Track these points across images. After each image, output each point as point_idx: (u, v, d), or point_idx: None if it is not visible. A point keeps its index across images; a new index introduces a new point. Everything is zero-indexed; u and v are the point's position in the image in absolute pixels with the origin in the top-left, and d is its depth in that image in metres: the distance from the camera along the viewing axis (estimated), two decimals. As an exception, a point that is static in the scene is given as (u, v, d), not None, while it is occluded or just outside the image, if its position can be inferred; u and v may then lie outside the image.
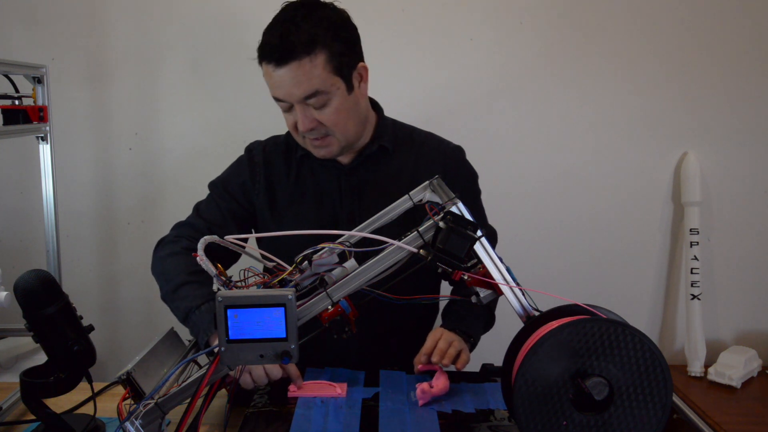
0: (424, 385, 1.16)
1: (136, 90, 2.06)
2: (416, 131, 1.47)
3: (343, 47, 1.25)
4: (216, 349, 0.86)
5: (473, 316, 1.38)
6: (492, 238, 1.48)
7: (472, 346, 1.36)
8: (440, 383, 1.17)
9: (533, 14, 2.02)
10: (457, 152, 1.47)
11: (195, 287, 1.24)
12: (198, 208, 1.44)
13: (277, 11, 1.26)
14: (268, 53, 1.22)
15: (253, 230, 1.45)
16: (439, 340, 1.27)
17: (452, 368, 1.25)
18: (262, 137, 1.48)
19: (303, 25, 1.21)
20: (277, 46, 1.20)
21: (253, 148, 1.45)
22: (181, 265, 1.29)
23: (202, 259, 0.86)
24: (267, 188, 1.41)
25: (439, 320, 1.52)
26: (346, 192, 1.38)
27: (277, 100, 1.27)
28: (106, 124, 2.07)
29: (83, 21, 2.02)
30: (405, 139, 1.43)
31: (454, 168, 1.43)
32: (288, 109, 1.27)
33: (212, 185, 1.46)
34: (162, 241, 1.41)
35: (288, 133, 1.47)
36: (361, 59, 1.31)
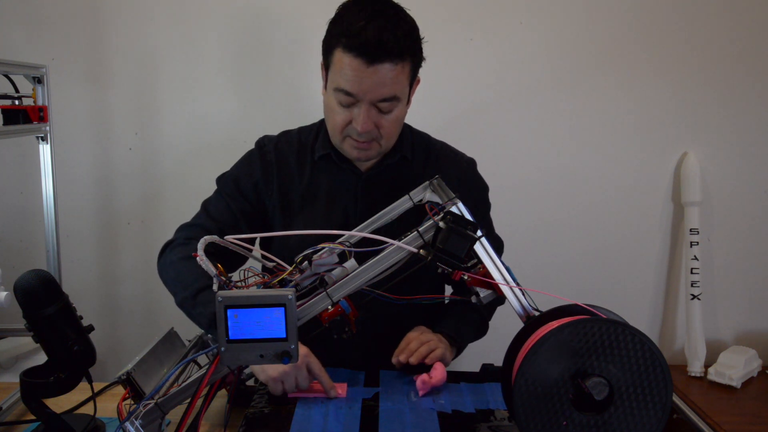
0: (424, 376, 1.18)
1: (136, 90, 2.05)
2: (431, 141, 1.46)
3: (420, 60, 1.27)
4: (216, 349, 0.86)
5: (463, 321, 1.39)
6: (499, 248, 1.47)
7: (457, 350, 1.37)
8: (438, 373, 1.19)
9: (533, 14, 2.02)
10: (472, 165, 1.47)
11: None
12: (206, 207, 1.39)
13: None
14: (362, 45, 1.15)
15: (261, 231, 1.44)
16: (412, 341, 1.27)
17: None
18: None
19: (399, 28, 1.18)
20: (375, 42, 1.15)
21: (264, 145, 1.41)
22: (197, 269, 1.22)
23: (202, 259, 0.86)
24: (280, 189, 1.37)
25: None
26: (361, 198, 1.36)
27: (343, 92, 1.21)
28: (106, 124, 2.07)
29: (83, 21, 2.02)
30: (422, 148, 1.42)
31: (468, 181, 1.43)
32: (349, 105, 1.23)
33: (222, 181, 1.41)
34: (170, 244, 1.35)
35: (299, 129, 1.45)
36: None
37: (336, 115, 1.25)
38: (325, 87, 1.29)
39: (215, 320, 1.15)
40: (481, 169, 1.50)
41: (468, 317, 1.41)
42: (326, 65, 1.26)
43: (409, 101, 1.31)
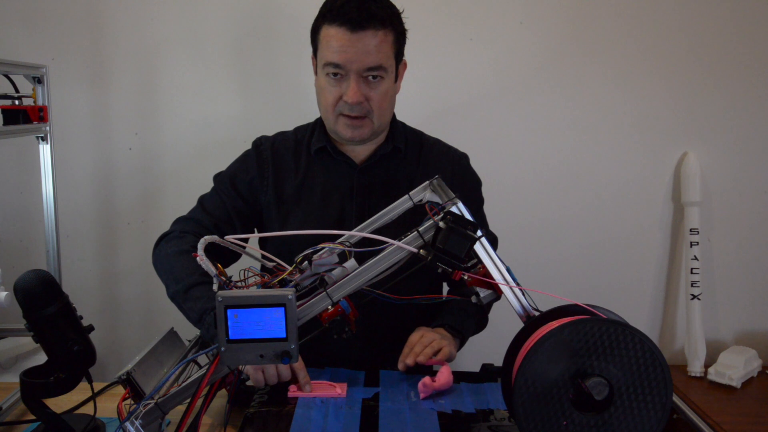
0: (427, 379, 1.16)
1: (136, 90, 2.05)
2: (425, 136, 1.48)
3: (403, 34, 1.32)
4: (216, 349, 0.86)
5: (465, 314, 1.39)
6: (493, 243, 1.48)
7: (460, 343, 1.37)
8: (443, 378, 1.17)
9: (533, 14, 2.02)
10: (464, 160, 1.48)
11: (207, 288, 1.21)
12: (202, 202, 1.42)
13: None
14: (345, 14, 1.22)
15: (256, 229, 1.45)
16: (416, 344, 1.27)
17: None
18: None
19: (379, 1, 1.25)
20: (357, 11, 1.21)
21: (261, 144, 1.44)
22: (190, 264, 1.26)
23: (202, 259, 0.86)
24: (275, 185, 1.39)
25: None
26: (357, 191, 1.37)
27: (332, 65, 1.25)
28: (106, 124, 2.07)
29: (83, 21, 2.02)
30: (415, 142, 1.44)
31: (461, 175, 1.44)
32: (338, 79, 1.27)
33: (218, 179, 1.44)
34: (165, 236, 1.38)
35: (295, 129, 1.47)
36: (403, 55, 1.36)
37: (327, 94, 1.29)
38: (316, 72, 1.33)
39: (204, 316, 1.18)
40: (481, 168, 1.50)
41: (467, 309, 1.41)
42: (314, 49, 1.32)
43: (397, 82, 1.35)
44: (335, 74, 1.26)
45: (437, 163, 1.42)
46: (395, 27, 1.28)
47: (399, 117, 1.47)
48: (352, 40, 1.22)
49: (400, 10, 1.32)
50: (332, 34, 1.23)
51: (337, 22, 1.22)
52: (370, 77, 1.26)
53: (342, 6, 1.22)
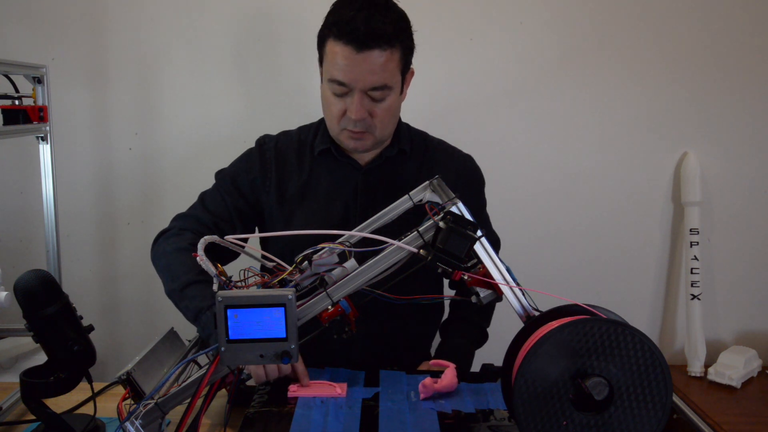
0: (427, 380, 1.16)
1: (136, 90, 2.05)
2: (429, 137, 1.47)
3: (411, 48, 1.29)
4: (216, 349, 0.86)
5: (464, 343, 1.42)
6: (495, 245, 1.48)
7: (467, 367, 1.40)
8: (446, 379, 1.17)
9: (533, 14, 2.02)
10: (469, 161, 1.48)
11: (204, 286, 1.21)
12: (203, 199, 1.41)
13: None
14: (350, 34, 1.18)
15: (257, 229, 1.44)
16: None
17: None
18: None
19: (388, 15, 1.21)
20: (364, 30, 1.18)
21: (264, 143, 1.43)
22: (188, 261, 1.25)
23: (202, 259, 0.86)
24: (278, 185, 1.39)
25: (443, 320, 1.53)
26: (361, 192, 1.37)
27: (336, 82, 1.24)
28: (106, 124, 2.07)
29: (83, 21, 2.02)
30: (419, 144, 1.44)
31: (466, 176, 1.44)
32: (342, 95, 1.25)
33: (220, 176, 1.43)
34: (164, 233, 1.37)
35: (299, 128, 1.46)
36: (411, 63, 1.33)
37: (332, 107, 1.28)
38: (322, 80, 1.31)
39: (199, 315, 1.18)
40: (480, 168, 1.50)
41: (469, 333, 1.43)
42: (320, 58, 1.29)
43: (403, 92, 1.33)
44: (340, 90, 1.25)
45: (443, 163, 1.42)
46: (402, 42, 1.24)
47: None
48: (357, 60, 1.19)
49: (410, 20, 1.28)
50: (337, 51, 1.21)
51: (343, 40, 1.19)
52: (375, 94, 1.24)
53: (349, 21, 1.19)
